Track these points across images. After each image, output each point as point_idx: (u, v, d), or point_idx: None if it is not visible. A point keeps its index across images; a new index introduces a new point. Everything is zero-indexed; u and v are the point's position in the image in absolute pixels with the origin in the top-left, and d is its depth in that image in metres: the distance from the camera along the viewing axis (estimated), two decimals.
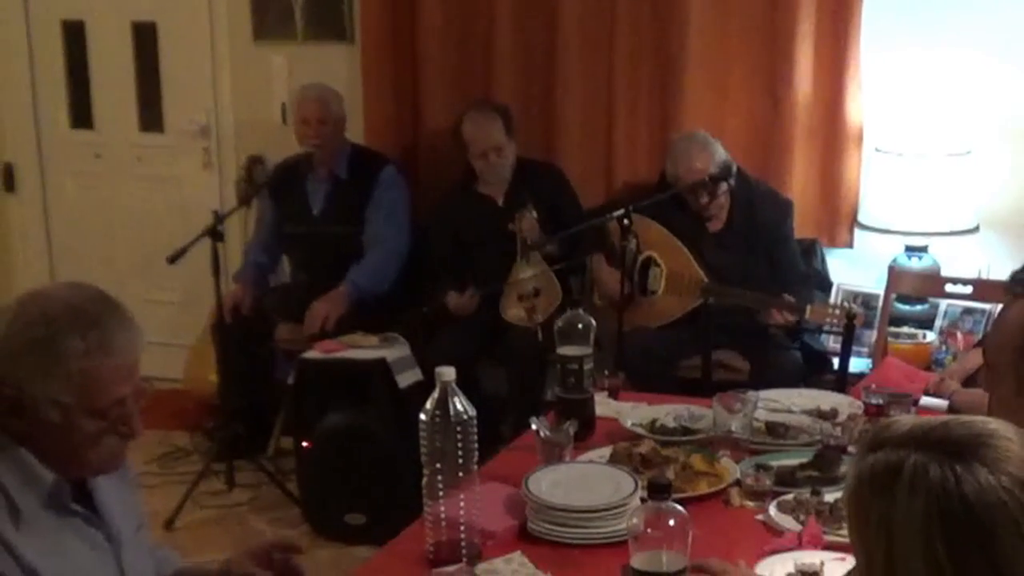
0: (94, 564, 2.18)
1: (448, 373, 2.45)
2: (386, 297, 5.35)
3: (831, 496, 2.65)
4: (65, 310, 2.07)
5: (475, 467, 2.50)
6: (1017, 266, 4.28)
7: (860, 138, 5.09)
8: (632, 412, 3.28)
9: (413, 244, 5.44)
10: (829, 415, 3.23)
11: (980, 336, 4.63)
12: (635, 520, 2.09)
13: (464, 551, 2.47)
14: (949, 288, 4.71)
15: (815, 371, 4.70)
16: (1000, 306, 4.63)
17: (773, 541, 2.53)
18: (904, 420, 1.50)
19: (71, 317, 2.06)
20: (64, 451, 2.10)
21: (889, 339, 4.72)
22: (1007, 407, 2.14)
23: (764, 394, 3.30)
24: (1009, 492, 1.37)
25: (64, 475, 2.12)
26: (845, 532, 2.49)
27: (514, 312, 5.00)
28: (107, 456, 2.16)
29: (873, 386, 3.35)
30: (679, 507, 2.09)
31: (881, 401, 3.21)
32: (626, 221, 4.42)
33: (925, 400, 3.38)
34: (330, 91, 5.48)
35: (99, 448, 2.12)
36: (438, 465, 2.45)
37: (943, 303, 4.90)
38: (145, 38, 6.32)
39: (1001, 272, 4.83)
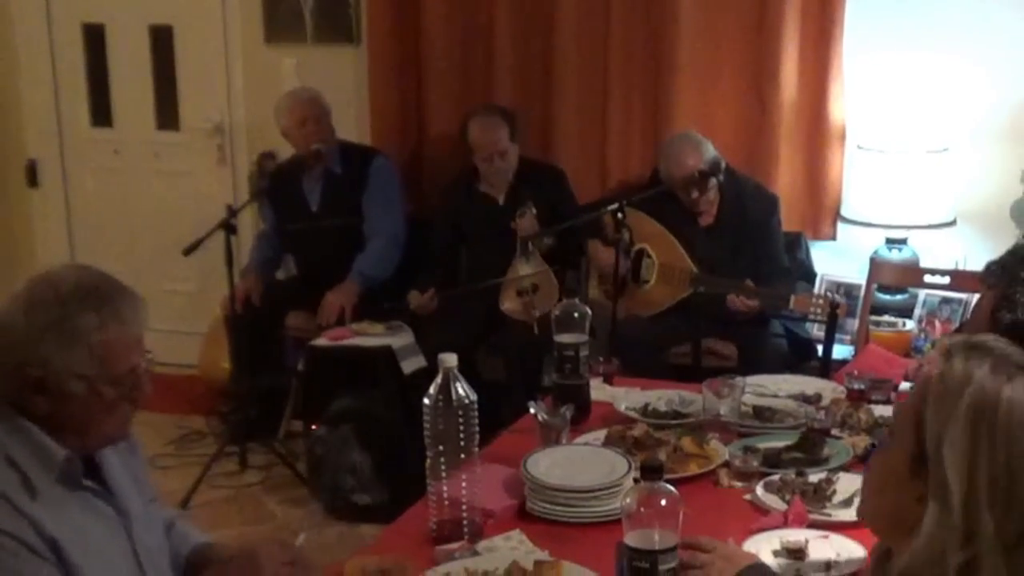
0: (107, 537, 2.19)
1: (450, 359, 2.44)
2: (392, 287, 5.34)
3: (815, 477, 2.65)
4: (76, 289, 2.12)
5: (476, 449, 2.50)
6: (992, 257, 4.29)
7: (843, 136, 5.09)
8: (626, 397, 3.28)
9: (414, 236, 5.44)
10: (813, 399, 3.23)
11: (957, 324, 4.63)
12: (628, 500, 2.08)
13: (466, 529, 2.47)
14: (928, 279, 4.70)
15: (800, 358, 4.70)
16: (976, 296, 4.64)
17: (760, 520, 2.53)
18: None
19: (83, 295, 2.11)
20: (83, 423, 2.13)
21: (870, 327, 4.71)
22: None
23: (751, 379, 3.30)
24: None
25: (80, 449, 2.15)
26: (828, 511, 2.51)
27: (511, 305, 4.99)
28: (120, 424, 2.20)
29: (855, 372, 3.35)
30: (670, 487, 2.08)
31: (863, 386, 3.21)
32: (620, 215, 4.42)
33: (905, 385, 3.37)
34: (315, 90, 5.48)
35: (115, 416, 2.17)
36: (441, 447, 2.45)
37: (922, 293, 4.90)
38: (162, 41, 6.31)
39: (977, 263, 4.81)
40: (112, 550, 2.19)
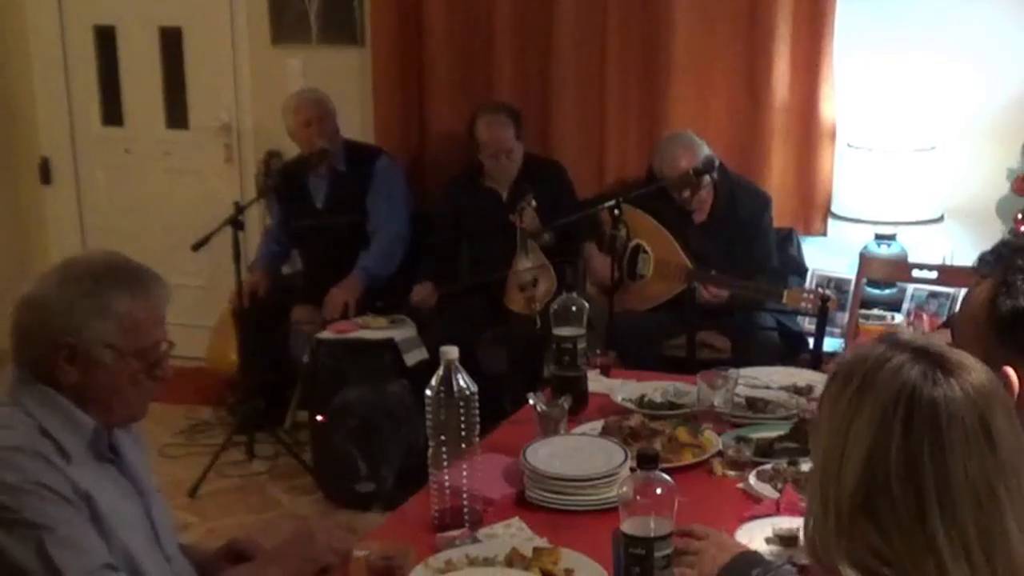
0: (129, 508, 2.23)
1: (452, 352, 2.44)
2: (394, 282, 5.35)
3: (807, 466, 2.64)
4: (108, 266, 2.22)
5: (477, 439, 2.49)
6: (980, 251, 4.26)
7: (833, 135, 5.08)
8: (622, 388, 3.27)
9: (416, 231, 5.44)
10: (804, 391, 3.22)
11: (945, 318, 4.63)
12: (625, 488, 2.08)
13: (467, 517, 2.46)
14: (916, 273, 4.69)
15: (792, 350, 4.70)
16: (964, 290, 4.62)
17: (753, 508, 2.53)
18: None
19: (115, 271, 2.21)
20: (110, 393, 2.19)
21: (860, 321, 4.71)
22: None
23: (744, 371, 3.29)
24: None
25: (104, 423, 2.20)
26: None
27: (516, 301, 4.99)
28: (142, 400, 2.26)
29: None
30: (666, 476, 2.08)
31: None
32: (616, 211, 4.41)
33: None
34: (321, 92, 5.47)
35: (138, 391, 2.22)
36: (442, 437, 2.44)
37: (910, 287, 4.89)
38: (171, 42, 6.31)
39: (964, 259, 4.83)
40: (135, 519, 2.24)
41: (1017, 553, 1.46)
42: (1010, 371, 1.87)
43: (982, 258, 2.14)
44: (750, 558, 2.11)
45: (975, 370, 1.52)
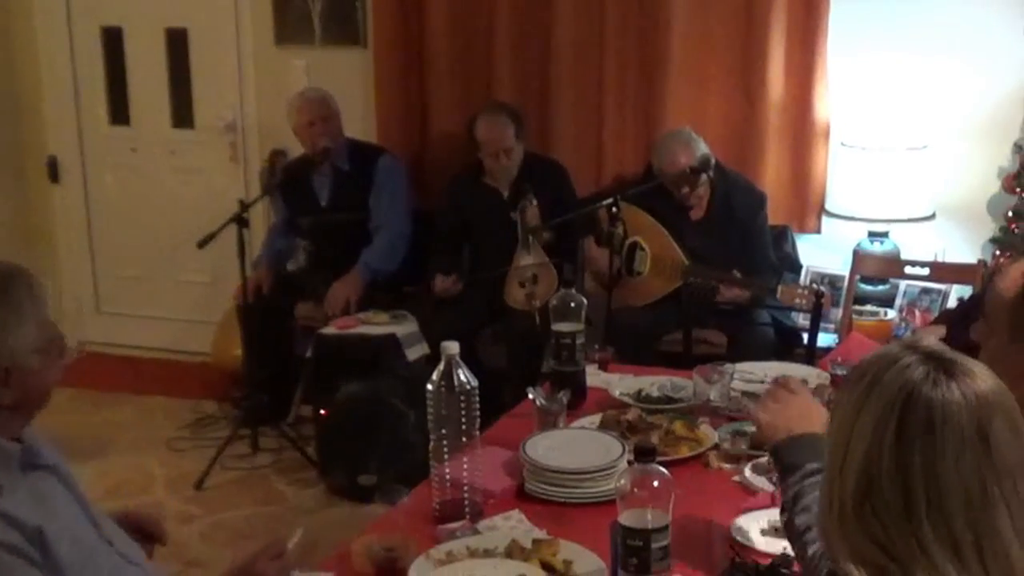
0: (66, 507, 2.19)
1: (453, 347, 2.44)
2: (395, 278, 5.35)
3: None
4: (3, 276, 2.15)
5: (477, 433, 2.49)
6: (971, 248, 4.26)
7: (827, 133, 5.08)
8: (620, 383, 3.27)
9: (417, 229, 5.44)
10: None
11: (936, 314, 4.63)
12: (622, 481, 2.08)
13: (467, 509, 2.46)
14: (908, 270, 4.71)
15: (786, 345, 4.69)
16: (956, 286, 4.64)
17: (748, 500, 2.53)
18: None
19: (9, 279, 2.15)
20: (40, 393, 2.18)
21: (853, 316, 4.72)
22: (999, 354, 2.11)
23: (740, 366, 3.29)
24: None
25: (29, 420, 2.18)
26: None
27: (515, 297, 4.99)
28: (56, 380, 2.23)
29: (839, 359, 3.34)
30: (663, 469, 2.08)
31: (846, 372, 3.19)
32: (614, 209, 4.41)
33: None
34: (324, 91, 5.47)
35: (56, 375, 2.21)
36: (443, 431, 2.45)
37: (902, 284, 4.90)
38: (177, 43, 6.29)
39: (955, 256, 4.84)
40: (75, 520, 2.19)
41: (1011, 553, 1.46)
42: None
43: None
44: (816, 447, 1.98)
45: (982, 378, 1.50)
